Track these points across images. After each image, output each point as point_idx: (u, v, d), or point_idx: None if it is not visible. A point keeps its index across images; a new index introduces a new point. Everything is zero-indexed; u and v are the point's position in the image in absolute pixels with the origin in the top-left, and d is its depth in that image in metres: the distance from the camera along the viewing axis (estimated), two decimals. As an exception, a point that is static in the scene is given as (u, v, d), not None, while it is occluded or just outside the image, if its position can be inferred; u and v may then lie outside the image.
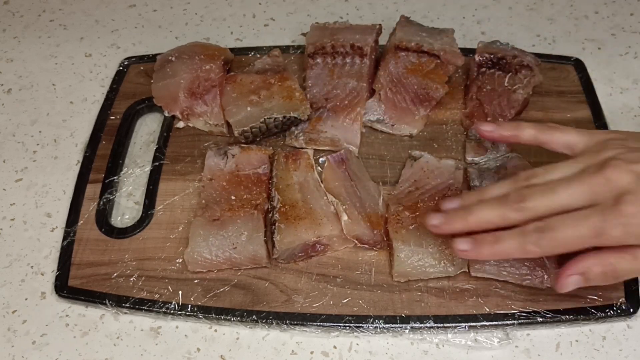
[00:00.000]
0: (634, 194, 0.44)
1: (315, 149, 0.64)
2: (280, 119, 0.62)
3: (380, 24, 0.70)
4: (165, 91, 0.66)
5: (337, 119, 0.65)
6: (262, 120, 0.62)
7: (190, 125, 0.66)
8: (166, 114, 0.66)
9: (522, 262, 0.54)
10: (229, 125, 0.65)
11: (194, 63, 0.67)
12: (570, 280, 0.48)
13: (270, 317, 0.54)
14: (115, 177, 0.64)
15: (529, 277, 0.54)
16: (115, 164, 0.65)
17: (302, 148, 0.64)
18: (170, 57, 0.69)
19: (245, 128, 0.62)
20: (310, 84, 0.67)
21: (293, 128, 0.65)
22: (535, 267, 0.53)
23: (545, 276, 0.53)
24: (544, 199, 0.47)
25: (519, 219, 0.47)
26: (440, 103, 0.66)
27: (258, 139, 0.65)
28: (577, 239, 0.45)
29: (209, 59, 0.67)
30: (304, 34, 0.70)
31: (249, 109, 0.63)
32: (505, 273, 0.54)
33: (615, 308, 0.54)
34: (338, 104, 0.65)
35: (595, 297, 0.54)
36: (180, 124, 0.66)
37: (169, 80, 0.66)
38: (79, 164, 0.66)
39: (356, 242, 0.57)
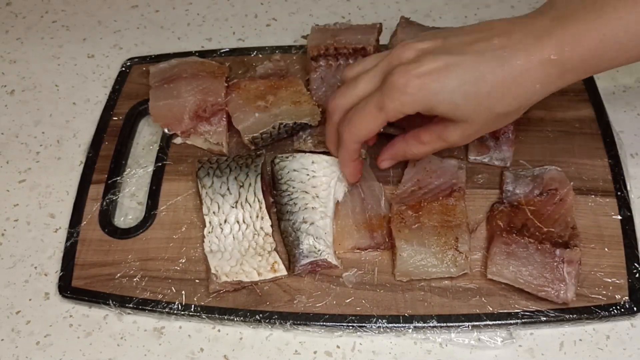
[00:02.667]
0: (405, 66, 0.48)
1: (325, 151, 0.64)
2: (291, 124, 0.62)
3: (380, 23, 0.69)
4: (168, 111, 0.65)
5: None
6: (272, 126, 0.62)
7: (189, 142, 0.66)
8: (166, 131, 0.66)
9: (542, 273, 0.53)
10: (229, 144, 0.65)
11: (198, 83, 0.66)
12: (385, 164, 0.57)
13: (274, 317, 0.54)
14: (118, 178, 0.64)
15: (547, 288, 0.52)
16: (118, 164, 0.65)
17: (312, 151, 0.63)
18: (167, 74, 0.68)
19: (256, 134, 0.62)
20: (315, 87, 0.67)
21: (301, 132, 0.64)
22: (554, 280, 0.53)
23: (562, 290, 0.52)
24: (346, 94, 0.53)
25: (337, 115, 0.54)
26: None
27: (267, 145, 0.65)
28: (368, 116, 0.51)
29: (211, 78, 0.67)
30: (304, 37, 0.70)
31: (257, 115, 0.63)
32: (522, 280, 0.53)
33: (619, 307, 0.53)
34: None
35: (599, 296, 0.54)
36: (178, 140, 0.66)
37: (171, 101, 0.65)
38: (82, 165, 0.66)
39: (356, 251, 0.57)
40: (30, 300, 0.58)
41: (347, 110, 0.53)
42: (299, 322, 0.54)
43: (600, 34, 0.46)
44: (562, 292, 0.52)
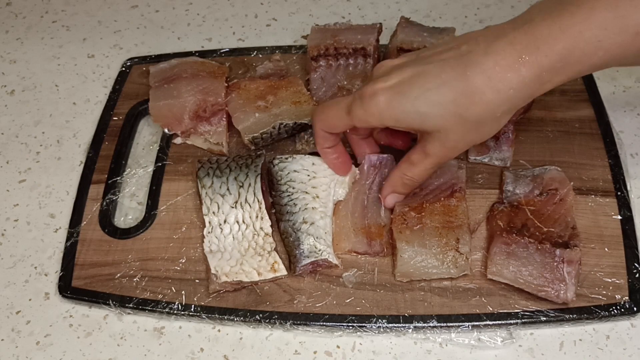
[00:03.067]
0: (375, 80, 0.50)
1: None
2: (291, 124, 0.62)
3: (380, 23, 0.69)
4: (168, 111, 0.65)
5: None
6: (272, 126, 0.62)
7: (189, 142, 0.66)
8: (166, 131, 0.66)
9: (542, 273, 0.53)
10: (229, 144, 0.65)
11: (198, 84, 0.66)
12: (388, 199, 0.57)
13: (274, 317, 0.54)
14: (118, 178, 0.64)
15: (547, 288, 0.52)
16: (118, 164, 0.65)
17: (314, 152, 0.63)
18: (167, 74, 0.68)
19: (256, 134, 0.62)
20: (315, 87, 0.67)
21: (302, 133, 0.64)
22: (554, 280, 0.53)
23: (562, 291, 0.52)
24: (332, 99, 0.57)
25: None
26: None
27: (268, 145, 0.65)
28: (336, 112, 0.53)
29: (211, 78, 0.67)
30: (304, 37, 0.70)
31: (257, 115, 0.63)
32: (522, 280, 0.53)
33: (619, 307, 0.53)
34: None
35: (599, 296, 0.54)
36: (178, 140, 0.66)
37: (171, 101, 0.65)
38: (82, 165, 0.66)
39: (353, 254, 0.57)
40: (30, 300, 0.58)
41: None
42: (299, 322, 0.54)
43: (575, 32, 0.44)
44: (562, 292, 0.52)
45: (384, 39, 0.70)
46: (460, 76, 0.46)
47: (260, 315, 0.54)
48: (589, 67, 0.46)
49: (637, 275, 0.55)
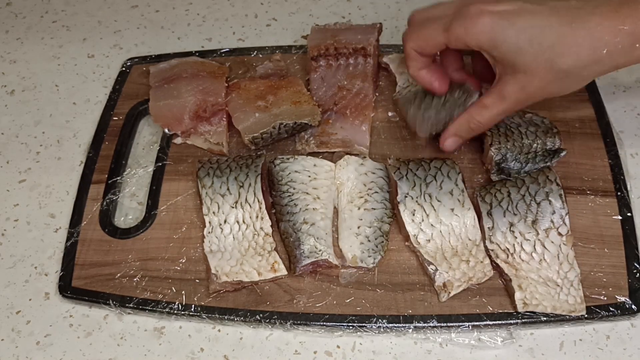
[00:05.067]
0: (480, 2, 0.51)
1: (327, 152, 0.64)
2: (291, 124, 0.62)
3: (380, 23, 0.69)
4: (168, 112, 0.65)
5: (345, 120, 0.65)
6: (272, 126, 0.62)
7: (189, 142, 0.66)
8: (166, 131, 0.66)
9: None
10: (229, 144, 0.65)
11: (198, 84, 0.66)
12: (448, 142, 0.58)
13: (274, 317, 0.54)
14: (118, 178, 0.64)
15: None
16: (118, 164, 0.65)
17: (314, 152, 0.63)
18: (168, 74, 0.68)
19: (256, 134, 0.62)
20: (315, 87, 0.67)
21: (303, 133, 0.64)
22: None
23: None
24: (423, 14, 0.56)
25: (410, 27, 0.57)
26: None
27: (268, 145, 0.65)
28: (431, 30, 0.54)
29: (211, 78, 0.67)
30: (304, 37, 0.69)
31: (257, 115, 0.63)
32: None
33: (619, 307, 0.53)
34: (346, 105, 0.65)
35: (599, 296, 0.54)
36: (178, 140, 0.66)
37: (171, 101, 0.65)
38: (82, 165, 0.66)
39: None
40: (30, 300, 0.58)
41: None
42: (299, 322, 0.54)
43: None
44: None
45: (384, 39, 0.70)
46: (566, 25, 0.49)
47: (261, 315, 0.54)
48: None
49: (637, 275, 0.55)
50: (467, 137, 0.58)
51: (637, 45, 0.48)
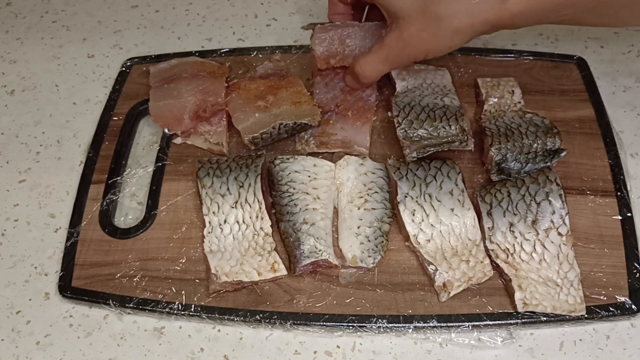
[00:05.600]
0: None
1: (327, 152, 0.64)
2: (291, 124, 0.62)
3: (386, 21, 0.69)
4: (168, 111, 0.65)
5: (346, 121, 0.65)
6: (272, 126, 0.62)
7: (189, 142, 0.66)
8: (166, 131, 0.66)
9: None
10: (229, 144, 0.65)
11: (198, 84, 0.66)
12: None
13: (274, 317, 0.54)
14: (118, 178, 0.64)
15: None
16: (118, 164, 0.65)
17: (314, 152, 0.63)
18: (167, 74, 0.68)
19: (256, 134, 0.62)
20: (317, 91, 0.67)
21: (303, 133, 0.64)
22: None
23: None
24: None
25: None
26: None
27: (268, 145, 0.65)
28: None
29: (211, 78, 0.67)
30: (305, 27, 0.68)
31: (257, 115, 0.63)
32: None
33: (619, 307, 0.54)
34: (348, 108, 0.65)
35: (599, 296, 0.54)
36: (178, 140, 0.66)
37: (171, 101, 0.65)
38: (82, 165, 0.66)
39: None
40: (30, 300, 0.58)
41: None
42: (299, 322, 0.54)
43: None
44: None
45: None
46: None
47: (260, 315, 0.54)
48: (559, 14, 0.51)
49: (637, 275, 0.55)
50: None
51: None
